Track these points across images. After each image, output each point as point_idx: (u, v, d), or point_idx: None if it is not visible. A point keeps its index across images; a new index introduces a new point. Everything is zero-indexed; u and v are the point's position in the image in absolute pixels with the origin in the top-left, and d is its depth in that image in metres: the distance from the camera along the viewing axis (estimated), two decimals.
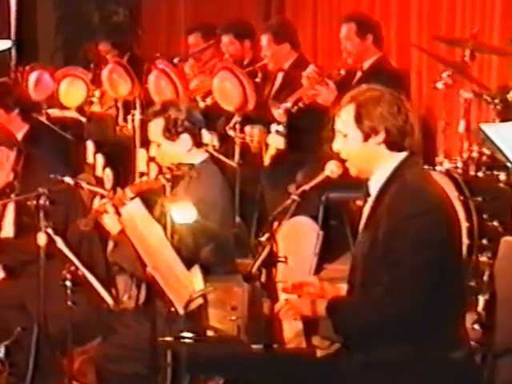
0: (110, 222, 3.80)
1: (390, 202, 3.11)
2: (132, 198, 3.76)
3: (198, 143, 4.10)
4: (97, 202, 3.90)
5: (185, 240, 3.73)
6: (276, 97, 5.88)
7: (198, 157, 4.08)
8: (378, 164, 3.20)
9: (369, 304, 3.12)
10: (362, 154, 3.20)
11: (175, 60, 6.47)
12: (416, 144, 3.22)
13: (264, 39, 6.09)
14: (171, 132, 4.02)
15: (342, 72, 5.58)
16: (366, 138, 3.18)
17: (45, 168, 4.51)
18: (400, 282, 3.03)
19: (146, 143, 5.65)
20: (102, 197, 3.92)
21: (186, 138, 4.04)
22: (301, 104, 5.52)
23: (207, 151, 4.19)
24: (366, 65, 5.68)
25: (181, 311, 3.51)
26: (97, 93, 6.46)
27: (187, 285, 3.55)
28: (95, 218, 3.80)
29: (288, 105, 5.52)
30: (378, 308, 3.08)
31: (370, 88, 3.22)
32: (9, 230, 4.51)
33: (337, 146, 3.24)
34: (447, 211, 3.15)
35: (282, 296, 3.31)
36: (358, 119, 3.17)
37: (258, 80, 5.97)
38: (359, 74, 5.70)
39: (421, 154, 3.34)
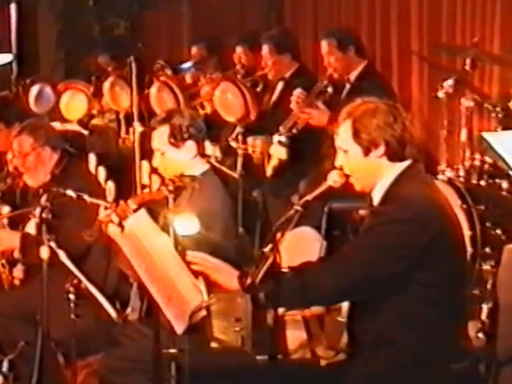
0: (115, 231, 3.79)
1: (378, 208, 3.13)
2: (135, 210, 3.76)
3: (202, 152, 4.11)
4: (100, 213, 3.89)
5: (188, 251, 3.72)
6: (275, 106, 5.89)
7: (200, 168, 4.09)
8: (380, 176, 3.21)
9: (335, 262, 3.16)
10: (365, 169, 3.22)
11: (183, 66, 6.49)
12: (417, 151, 3.23)
13: (265, 48, 6.11)
14: (177, 138, 4.03)
15: (330, 89, 5.59)
16: (367, 152, 3.20)
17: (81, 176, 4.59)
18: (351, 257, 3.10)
19: (148, 155, 5.67)
20: (106, 208, 3.92)
21: (191, 145, 4.05)
22: (295, 130, 5.53)
23: (208, 162, 4.19)
24: (353, 76, 5.71)
25: (179, 330, 3.48)
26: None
27: (189, 299, 3.53)
28: (99, 228, 3.79)
29: (283, 139, 5.52)
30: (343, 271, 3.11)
31: (364, 101, 3.24)
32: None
33: (339, 162, 3.26)
34: (447, 220, 3.15)
35: None
36: (356, 134, 3.19)
37: (258, 90, 5.99)
38: (348, 86, 5.71)
39: (423, 163, 3.34)
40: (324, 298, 3.16)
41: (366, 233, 3.16)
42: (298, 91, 5.60)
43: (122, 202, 3.86)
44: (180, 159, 4.06)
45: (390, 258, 3.06)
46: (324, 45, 5.75)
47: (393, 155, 3.19)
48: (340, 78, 5.69)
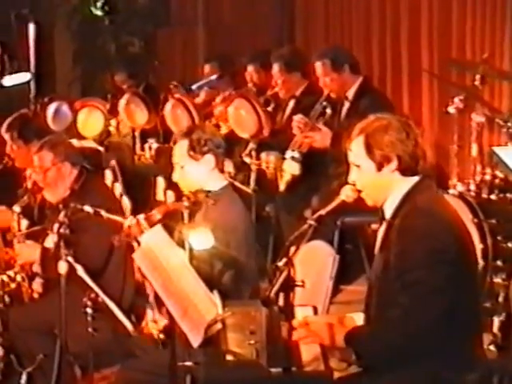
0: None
1: (400, 224, 3.16)
2: (159, 220, 3.83)
3: (221, 168, 4.16)
4: (127, 222, 3.96)
5: (203, 266, 3.77)
6: (288, 124, 5.94)
7: (219, 183, 4.13)
8: (392, 190, 3.25)
9: (389, 327, 3.13)
10: (377, 184, 3.26)
11: (193, 86, 6.56)
12: (428, 166, 3.28)
13: (275, 67, 6.15)
14: (195, 151, 4.08)
15: (329, 111, 5.62)
16: (380, 167, 3.24)
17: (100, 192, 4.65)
18: (418, 303, 3.06)
19: (163, 172, 5.73)
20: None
21: (209, 158, 4.10)
22: (297, 154, 5.56)
23: (227, 178, 4.24)
24: (351, 93, 5.73)
25: (195, 344, 3.51)
26: (113, 122, 6.53)
27: (205, 313, 3.57)
28: (129, 234, 3.85)
29: (296, 155, 5.53)
30: (399, 330, 3.09)
31: (377, 118, 3.29)
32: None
33: (352, 177, 3.30)
34: (458, 233, 3.19)
35: (299, 312, 3.36)
36: (369, 150, 3.23)
37: (270, 109, 6.04)
38: (347, 104, 5.73)
39: (434, 178, 3.38)
40: None
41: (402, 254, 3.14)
42: (298, 117, 5.65)
43: (145, 214, 3.92)
44: (198, 173, 4.09)
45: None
46: (318, 66, 5.75)
47: (405, 170, 3.23)
48: (338, 97, 5.73)
